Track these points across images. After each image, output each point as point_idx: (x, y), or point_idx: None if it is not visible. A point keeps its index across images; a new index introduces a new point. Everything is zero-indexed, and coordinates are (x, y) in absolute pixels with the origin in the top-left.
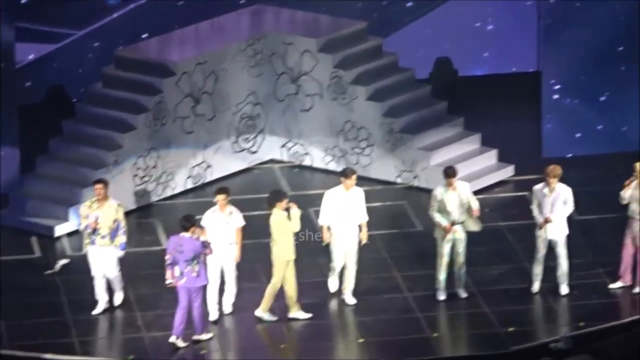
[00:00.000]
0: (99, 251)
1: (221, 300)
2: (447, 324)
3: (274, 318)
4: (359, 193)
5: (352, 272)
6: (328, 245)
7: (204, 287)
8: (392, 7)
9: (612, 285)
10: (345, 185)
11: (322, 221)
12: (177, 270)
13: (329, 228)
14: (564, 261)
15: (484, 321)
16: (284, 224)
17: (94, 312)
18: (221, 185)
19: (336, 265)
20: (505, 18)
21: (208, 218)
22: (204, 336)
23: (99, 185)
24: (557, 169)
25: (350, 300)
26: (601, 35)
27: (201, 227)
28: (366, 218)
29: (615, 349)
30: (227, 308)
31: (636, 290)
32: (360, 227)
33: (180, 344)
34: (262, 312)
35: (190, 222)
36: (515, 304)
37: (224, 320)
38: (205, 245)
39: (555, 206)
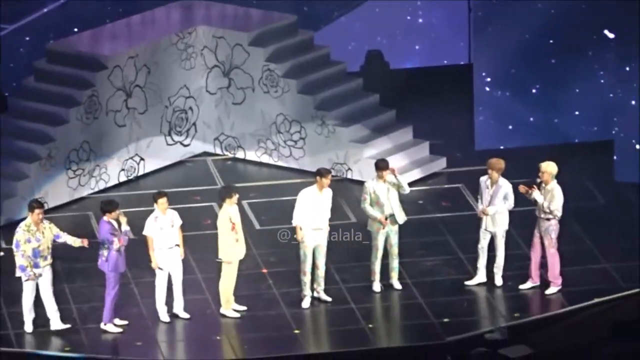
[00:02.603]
0: (42, 272)
1: (172, 302)
2: (382, 315)
3: (242, 308)
4: (330, 193)
5: (322, 272)
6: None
7: (119, 278)
8: (322, 1)
9: (521, 286)
10: (320, 185)
11: (296, 221)
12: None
13: (301, 228)
14: (500, 253)
15: (418, 312)
16: (230, 221)
17: (54, 327)
18: (159, 190)
19: (306, 267)
20: (436, 11)
21: (152, 224)
22: (109, 327)
23: (40, 210)
24: (500, 163)
25: (326, 297)
26: (532, 28)
27: (124, 214)
28: (329, 216)
29: (550, 340)
30: (179, 310)
31: (549, 291)
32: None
33: (111, 329)
34: (224, 309)
35: (109, 205)
36: (449, 295)
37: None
38: (118, 233)
39: (495, 199)
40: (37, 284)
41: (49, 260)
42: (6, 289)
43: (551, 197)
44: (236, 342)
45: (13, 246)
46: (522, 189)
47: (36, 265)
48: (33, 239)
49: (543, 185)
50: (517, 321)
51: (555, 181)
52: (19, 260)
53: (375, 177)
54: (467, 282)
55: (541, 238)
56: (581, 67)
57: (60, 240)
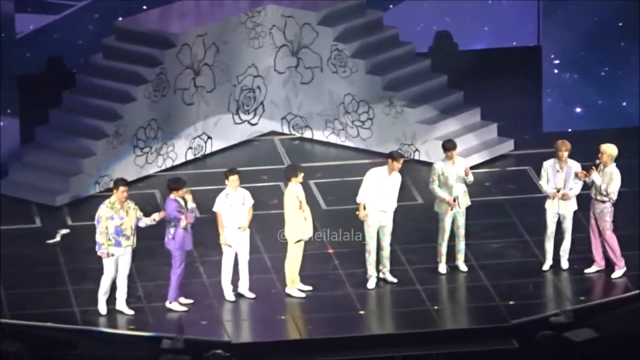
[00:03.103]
0: (123, 252)
1: (237, 282)
2: (448, 296)
3: (307, 288)
4: (398, 177)
5: (387, 253)
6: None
7: (185, 256)
8: None
9: (587, 270)
10: (391, 168)
11: (360, 198)
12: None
13: (364, 207)
14: (568, 236)
15: (484, 295)
16: (298, 199)
17: (103, 311)
18: (230, 167)
19: (370, 247)
20: None
21: (222, 201)
22: (174, 305)
23: (125, 188)
24: (567, 143)
25: (392, 278)
26: (601, 11)
27: (190, 192)
28: (395, 205)
29: (616, 323)
30: (244, 290)
31: (615, 274)
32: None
33: (176, 307)
34: (289, 289)
35: (176, 183)
36: (515, 277)
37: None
38: (185, 211)
39: (568, 181)
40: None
41: (132, 241)
42: (70, 266)
43: (609, 180)
44: (301, 322)
45: (95, 222)
46: (580, 174)
47: (118, 244)
48: (116, 216)
49: (602, 167)
50: (583, 304)
51: (614, 164)
52: (98, 237)
53: (444, 158)
54: (544, 267)
55: (596, 220)
56: None
57: (140, 225)
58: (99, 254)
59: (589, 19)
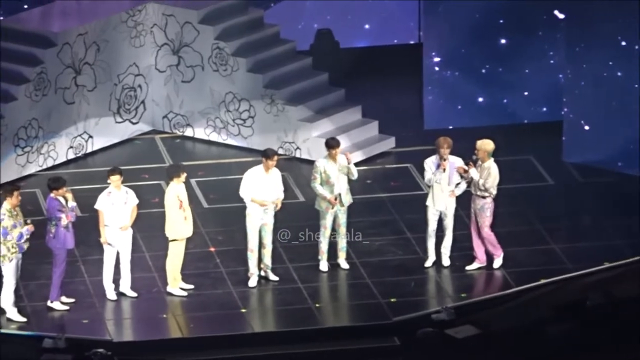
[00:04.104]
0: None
1: (119, 280)
2: (329, 294)
3: (189, 287)
4: (277, 174)
5: (269, 251)
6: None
7: (66, 255)
8: None
9: (468, 267)
10: (266, 166)
11: (246, 197)
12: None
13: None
14: (450, 233)
15: (366, 292)
16: (178, 199)
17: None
18: (113, 166)
19: (252, 245)
20: None
21: (104, 200)
22: (56, 305)
23: (19, 192)
24: (448, 140)
25: (274, 276)
26: (482, 8)
27: (71, 191)
28: (282, 196)
29: (496, 320)
30: (126, 288)
31: (495, 264)
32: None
33: (58, 306)
34: (171, 288)
35: (56, 182)
36: (396, 275)
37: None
38: (66, 210)
39: (452, 177)
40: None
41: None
42: None
43: (487, 175)
44: (182, 320)
45: (1, 235)
46: (459, 169)
47: (21, 249)
48: (17, 222)
49: (479, 162)
50: (464, 301)
51: (492, 159)
52: (3, 249)
53: (326, 156)
54: (426, 264)
55: (477, 216)
56: (531, 48)
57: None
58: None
59: (470, 16)
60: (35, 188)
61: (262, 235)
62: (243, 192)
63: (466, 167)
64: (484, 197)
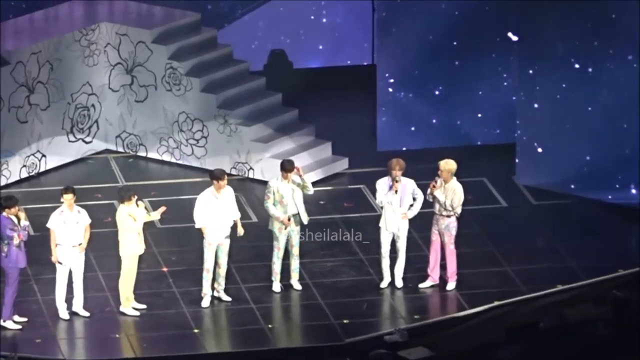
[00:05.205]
0: None
1: (72, 299)
2: (282, 315)
3: (141, 307)
4: (230, 192)
5: (224, 271)
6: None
7: (18, 274)
8: None
9: (421, 285)
10: (217, 187)
11: (199, 223)
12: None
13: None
14: (402, 254)
15: (318, 313)
16: (131, 218)
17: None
18: (66, 185)
19: (209, 265)
20: (340, 11)
21: (56, 219)
22: (8, 324)
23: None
24: (401, 162)
25: (227, 297)
26: (436, 30)
27: (23, 210)
28: (239, 214)
29: (449, 342)
30: (79, 308)
31: (449, 286)
32: (234, 222)
33: (10, 325)
34: (124, 307)
35: (8, 201)
36: (349, 296)
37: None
38: (18, 229)
39: (404, 199)
40: None
41: None
42: None
43: (452, 194)
44: (135, 340)
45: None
46: (431, 188)
47: None
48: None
49: (442, 183)
50: (417, 323)
51: (454, 179)
52: None
53: (279, 176)
54: (381, 285)
55: (440, 236)
56: (484, 69)
57: None
58: None
59: (424, 37)
60: None
61: (218, 255)
62: (197, 217)
63: (435, 185)
64: (449, 217)
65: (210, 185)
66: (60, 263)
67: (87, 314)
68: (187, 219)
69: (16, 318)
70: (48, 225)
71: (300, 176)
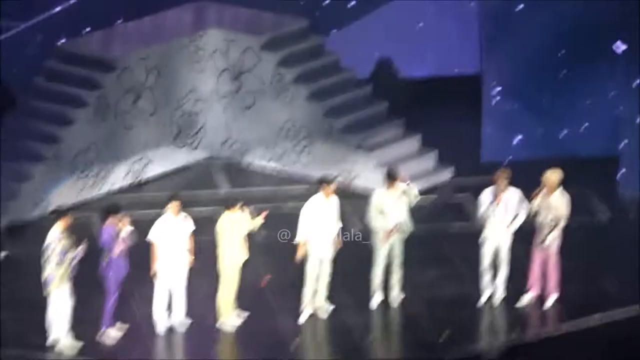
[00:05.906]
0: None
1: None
2: (382, 329)
3: (244, 314)
4: (336, 202)
5: (327, 281)
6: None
7: (119, 284)
8: (335, 6)
9: (522, 299)
10: (326, 193)
11: (300, 237)
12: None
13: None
14: (504, 267)
15: (417, 327)
16: (235, 225)
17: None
18: (172, 193)
19: (310, 279)
20: (448, 20)
21: (161, 226)
22: (109, 333)
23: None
24: (507, 172)
25: (329, 308)
26: (543, 40)
27: (127, 217)
28: (340, 224)
29: (548, 358)
30: (179, 319)
31: (550, 300)
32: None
33: (111, 334)
34: (222, 320)
35: (112, 209)
36: (448, 310)
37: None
38: (120, 237)
39: (509, 210)
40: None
41: None
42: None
43: (557, 205)
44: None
45: (57, 254)
46: (533, 195)
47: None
48: (72, 244)
49: (546, 193)
50: (517, 338)
51: (560, 189)
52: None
53: (384, 186)
54: (482, 299)
55: (543, 249)
56: (591, 80)
57: None
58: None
59: (531, 47)
60: (91, 213)
61: (321, 267)
62: (301, 228)
63: (538, 195)
64: (552, 228)
65: (315, 193)
66: (161, 273)
67: (188, 321)
68: (287, 226)
69: (118, 325)
70: (150, 235)
71: (407, 185)
